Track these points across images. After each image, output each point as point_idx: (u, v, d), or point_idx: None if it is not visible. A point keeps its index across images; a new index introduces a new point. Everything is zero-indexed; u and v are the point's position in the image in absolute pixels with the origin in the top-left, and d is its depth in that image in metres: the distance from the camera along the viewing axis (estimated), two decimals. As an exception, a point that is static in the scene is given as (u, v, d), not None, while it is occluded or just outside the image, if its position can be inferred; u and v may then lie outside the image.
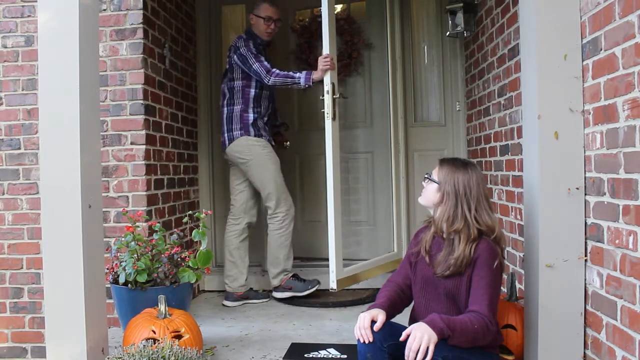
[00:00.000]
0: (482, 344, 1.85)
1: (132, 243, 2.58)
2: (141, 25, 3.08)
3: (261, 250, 3.96)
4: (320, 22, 3.27)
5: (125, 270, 2.51)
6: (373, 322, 1.87)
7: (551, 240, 2.03)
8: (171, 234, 3.01)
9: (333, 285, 3.11)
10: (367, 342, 1.85)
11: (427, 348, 1.72)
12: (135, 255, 2.56)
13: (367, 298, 3.45)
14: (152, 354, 2.00)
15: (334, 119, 3.17)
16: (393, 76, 3.81)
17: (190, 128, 3.92)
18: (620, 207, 1.75)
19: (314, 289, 3.45)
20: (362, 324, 1.88)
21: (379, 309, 1.93)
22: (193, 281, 2.62)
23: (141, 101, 3.08)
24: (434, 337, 1.73)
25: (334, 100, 3.18)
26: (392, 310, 2.02)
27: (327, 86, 3.19)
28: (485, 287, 1.89)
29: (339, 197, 3.21)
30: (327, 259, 3.17)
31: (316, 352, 2.40)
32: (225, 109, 3.53)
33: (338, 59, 3.86)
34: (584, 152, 2.00)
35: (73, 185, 2.19)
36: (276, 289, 3.52)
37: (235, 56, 3.46)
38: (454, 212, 1.97)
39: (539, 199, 2.05)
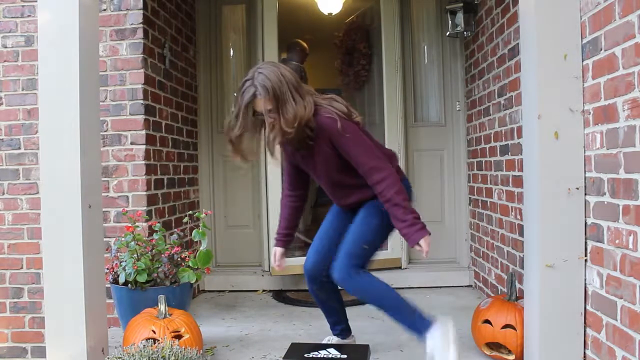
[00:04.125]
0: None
1: (132, 243, 2.58)
2: (141, 25, 3.08)
3: (261, 250, 3.97)
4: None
5: (125, 270, 2.51)
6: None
7: (551, 240, 2.03)
8: (171, 234, 3.01)
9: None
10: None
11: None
12: (135, 255, 2.57)
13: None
14: (152, 354, 1.99)
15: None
16: (393, 77, 3.81)
17: (190, 128, 3.92)
18: (620, 207, 1.75)
19: None
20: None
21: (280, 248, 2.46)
22: (193, 281, 2.62)
23: (141, 101, 3.08)
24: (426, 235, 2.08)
25: None
26: (292, 231, 2.48)
27: None
28: (360, 157, 2.07)
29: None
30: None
31: (316, 352, 2.39)
32: None
33: (348, 69, 4.29)
34: (584, 152, 2.00)
35: (73, 185, 2.19)
36: None
37: None
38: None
39: (539, 199, 2.05)
